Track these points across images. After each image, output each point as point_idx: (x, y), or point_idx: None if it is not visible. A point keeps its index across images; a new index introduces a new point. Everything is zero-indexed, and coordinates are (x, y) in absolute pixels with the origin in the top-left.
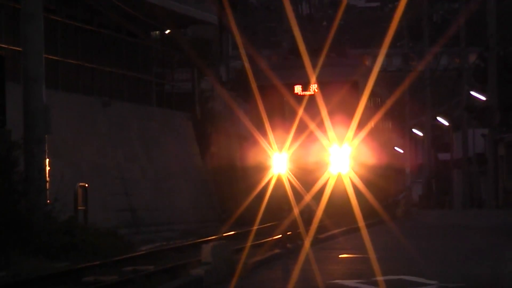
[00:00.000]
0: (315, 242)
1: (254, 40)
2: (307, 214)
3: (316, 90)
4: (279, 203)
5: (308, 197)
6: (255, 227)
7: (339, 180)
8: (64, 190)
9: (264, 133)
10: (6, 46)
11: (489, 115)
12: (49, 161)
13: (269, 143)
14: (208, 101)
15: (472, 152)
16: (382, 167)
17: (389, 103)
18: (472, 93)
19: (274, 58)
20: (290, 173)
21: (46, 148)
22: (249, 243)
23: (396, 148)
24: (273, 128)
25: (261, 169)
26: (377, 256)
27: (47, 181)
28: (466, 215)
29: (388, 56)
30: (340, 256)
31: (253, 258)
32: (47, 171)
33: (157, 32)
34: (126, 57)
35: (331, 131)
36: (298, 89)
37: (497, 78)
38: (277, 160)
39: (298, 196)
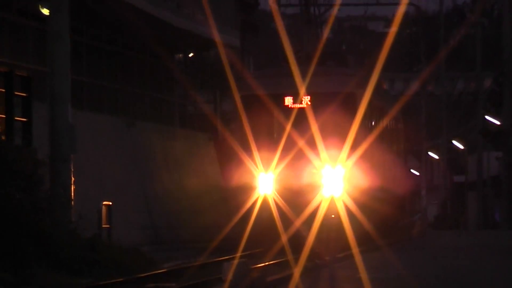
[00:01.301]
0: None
1: (276, 63)
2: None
3: (309, 103)
4: (265, 227)
5: (298, 222)
6: (238, 254)
7: (332, 204)
8: (88, 208)
9: (248, 151)
10: (33, 67)
11: (503, 139)
12: (74, 179)
13: (254, 162)
14: (230, 122)
15: (486, 175)
16: (381, 189)
17: (392, 118)
18: (487, 117)
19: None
20: (277, 195)
21: (71, 166)
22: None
23: (404, 168)
24: (258, 144)
25: (245, 190)
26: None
27: (71, 199)
28: (481, 237)
29: (405, 80)
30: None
31: (271, 276)
32: (72, 189)
33: (181, 55)
34: (149, 78)
35: (323, 150)
36: (288, 101)
37: (511, 102)
38: (263, 180)
39: (286, 220)
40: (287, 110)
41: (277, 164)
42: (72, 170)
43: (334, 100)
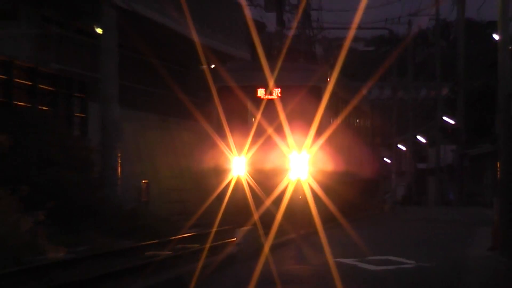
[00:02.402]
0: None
1: None
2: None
3: (279, 95)
4: (238, 205)
5: (268, 201)
6: (213, 229)
7: (298, 185)
8: (131, 185)
9: (223, 136)
10: (88, 74)
11: (456, 135)
12: (120, 163)
13: (228, 147)
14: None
15: (443, 163)
16: (343, 173)
17: (359, 113)
18: (444, 118)
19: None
20: (249, 176)
21: (118, 152)
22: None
23: (373, 156)
24: (233, 131)
25: (219, 172)
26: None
27: (118, 178)
28: (437, 211)
29: (380, 87)
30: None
31: (273, 241)
32: (118, 171)
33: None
34: (179, 84)
35: (290, 137)
36: (260, 92)
37: (464, 107)
38: (236, 163)
39: (257, 199)
40: (259, 101)
41: (249, 148)
42: (119, 155)
43: (301, 92)
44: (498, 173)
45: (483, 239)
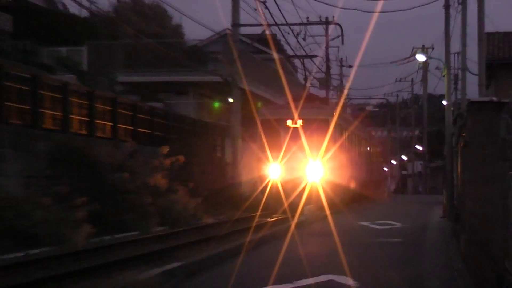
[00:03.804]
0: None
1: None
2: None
3: (301, 124)
4: (274, 198)
5: (293, 195)
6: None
7: (313, 184)
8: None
9: (264, 150)
10: (225, 123)
11: (423, 156)
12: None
13: (267, 158)
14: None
15: (416, 171)
16: (347, 175)
17: (357, 136)
18: (417, 146)
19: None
20: (282, 178)
21: (240, 165)
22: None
23: (371, 165)
24: (270, 148)
25: (263, 175)
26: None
27: (240, 179)
28: (413, 197)
29: (381, 130)
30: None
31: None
32: (241, 174)
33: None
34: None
35: (308, 151)
36: (289, 122)
37: (426, 141)
38: (273, 169)
39: (287, 194)
40: (288, 128)
41: (282, 159)
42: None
43: (315, 123)
44: (446, 175)
45: (437, 211)
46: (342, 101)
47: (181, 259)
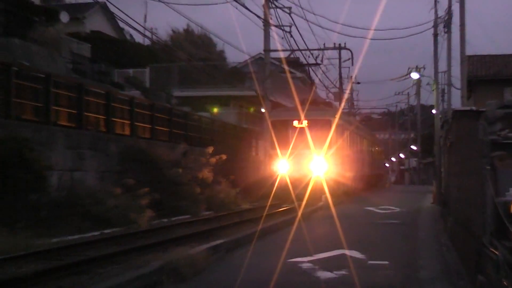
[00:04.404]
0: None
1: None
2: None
3: (307, 124)
4: (283, 189)
5: (300, 187)
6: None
7: (318, 178)
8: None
9: (274, 148)
10: (258, 128)
11: (417, 154)
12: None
13: (277, 154)
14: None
15: (411, 166)
16: (348, 169)
17: (359, 135)
18: (412, 146)
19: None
20: (290, 172)
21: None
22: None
23: (371, 160)
24: (280, 145)
25: (275, 168)
26: (372, 202)
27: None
28: (409, 187)
29: (384, 133)
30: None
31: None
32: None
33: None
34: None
35: (313, 148)
36: (296, 123)
37: (420, 142)
38: (283, 162)
39: (295, 186)
40: (296, 127)
41: (290, 155)
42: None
43: (319, 123)
44: (436, 169)
45: (428, 199)
46: (343, 104)
47: (224, 237)
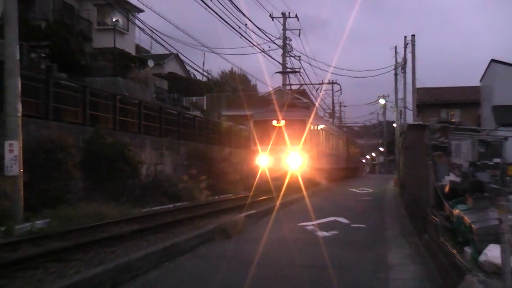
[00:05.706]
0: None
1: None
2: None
3: (284, 124)
4: (263, 181)
5: (278, 180)
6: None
7: (293, 171)
8: None
9: (255, 144)
10: None
11: (384, 153)
12: None
13: (258, 150)
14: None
15: (380, 161)
16: (324, 162)
17: (333, 134)
18: (380, 148)
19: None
20: (269, 166)
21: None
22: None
23: (346, 156)
24: (261, 142)
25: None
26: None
27: None
28: (378, 176)
29: (363, 140)
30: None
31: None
32: None
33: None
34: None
35: (290, 145)
36: (275, 122)
37: (386, 145)
38: (262, 156)
39: (273, 179)
40: (274, 127)
41: (270, 151)
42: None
43: (296, 122)
44: (396, 164)
45: (391, 183)
46: (316, 106)
47: (255, 208)
